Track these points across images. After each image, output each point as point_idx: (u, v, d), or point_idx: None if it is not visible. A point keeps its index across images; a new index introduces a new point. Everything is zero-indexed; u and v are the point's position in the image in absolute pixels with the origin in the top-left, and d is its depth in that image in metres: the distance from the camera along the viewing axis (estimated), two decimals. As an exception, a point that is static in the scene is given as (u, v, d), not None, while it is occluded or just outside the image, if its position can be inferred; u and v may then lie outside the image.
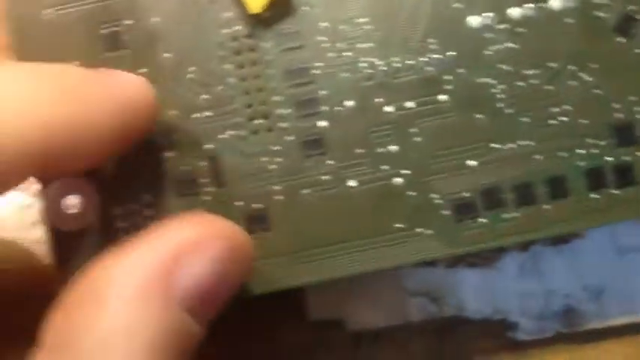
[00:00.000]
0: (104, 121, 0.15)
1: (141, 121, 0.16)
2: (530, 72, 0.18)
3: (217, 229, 0.15)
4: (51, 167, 0.14)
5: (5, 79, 0.14)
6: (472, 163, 0.18)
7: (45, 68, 0.15)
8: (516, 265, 0.21)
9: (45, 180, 0.15)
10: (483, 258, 0.21)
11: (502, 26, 0.18)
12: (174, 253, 0.14)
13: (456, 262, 0.21)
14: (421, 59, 0.18)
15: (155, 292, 0.14)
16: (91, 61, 0.18)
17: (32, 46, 0.18)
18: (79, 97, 0.15)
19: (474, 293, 0.21)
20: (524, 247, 0.21)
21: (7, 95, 0.14)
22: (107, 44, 0.18)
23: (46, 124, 0.14)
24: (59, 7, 0.18)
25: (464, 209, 0.18)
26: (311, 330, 0.21)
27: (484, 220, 0.18)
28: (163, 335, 0.14)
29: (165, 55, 0.18)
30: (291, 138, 0.18)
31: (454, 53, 0.18)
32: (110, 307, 0.14)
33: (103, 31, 0.18)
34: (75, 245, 0.17)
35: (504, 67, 0.18)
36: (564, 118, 0.17)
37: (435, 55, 0.18)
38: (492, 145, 0.18)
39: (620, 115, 0.17)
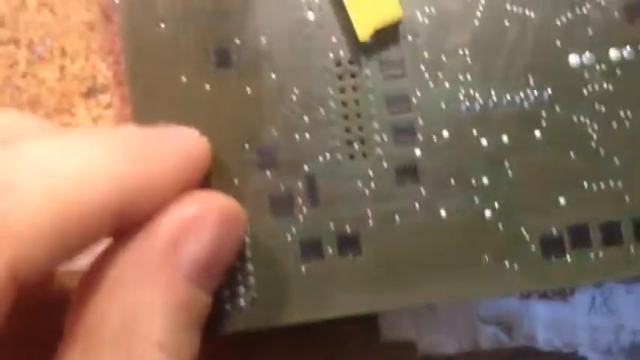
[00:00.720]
0: (173, 174, 0.16)
1: (198, 171, 0.17)
2: (626, 114, 0.18)
3: (211, 202, 0.16)
4: (123, 221, 0.15)
5: (83, 146, 0.15)
6: (562, 200, 0.18)
7: (113, 132, 0.16)
8: (588, 300, 0.22)
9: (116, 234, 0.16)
10: (556, 291, 0.21)
11: (601, 67, 0.18)
12: (175, 232, 0.15)
13: (529, 293, 0.21)
14: (519, 94, 0.18)
15: (163, 271, 0.15)
16: (200, 75, 0.18)
17: (144, 58, 0.18)
18: (149, 155, 0.16)
19: (546, 325, 0.21)
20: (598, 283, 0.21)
21: (86, 161, 0.15)
22: (216, 61, 0.18)
23: (121, 181, 0.15)
24: (173, 22, 0.18)
25: (551, 246, 0.18)
26: (383, 351, 0.21)
27: (570, 258, 0.18)
28: (177, 310, 0.15)
29: (271, 76, 0.18)
30: (386, 164, 0.18)
31: (551, 90, 0.18)
32: (124, 292, 0.15)
33: (213, 48, 0.18)
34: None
35: (600, 107, 0.18)
36: (657, 163, 0.18)
37: (532, 91, 0.18)
38: (583, 183, 0.18)
39: None
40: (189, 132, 0.17)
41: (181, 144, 0.17)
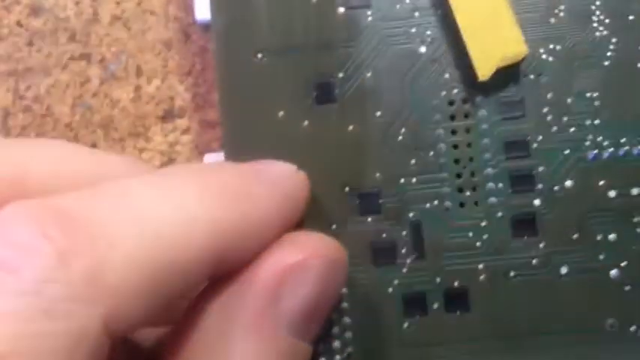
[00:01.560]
0: (272, 215, 0.15)
1: (298, 211, 0.16)
2: None
3: (314, 247, 0.15)
4: (220, 268, 0.14)
5: (178, 188, 0.14)
6: (697, 262, 0.16)
7: (209, 171, 0.15)
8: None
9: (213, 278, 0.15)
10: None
11: None
12: (276, 280, 0.14)
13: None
14: (653, 144, 0.16)
15: (264, 324, 0.14)
16: (298, 110, 0.17)
17: (239, 90, 0.17)
18: (249, 195, 0.14)
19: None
20: None
21: (182, 206, 0.13)
22: (317, 96, 0.17)
23: (222, 226, 0.14)
24: (273, 53, 0.17)
25: (683, 310, 0.16)
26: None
27: (702, 325, 0.16)
28: None
29: (376, 113, 0.16)
30: (501, 215, 0.16)
31: (689, 140, 0.16)
32: (223, 346, 0.14)
33: (314, 82, 0.17)
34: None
35: None
36: None
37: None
38: None
39: None
40: (288, 167, 0.16)
41: (280, 182, 0.15)
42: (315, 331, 0.15)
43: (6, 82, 0.22)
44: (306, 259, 0.14)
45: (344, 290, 0.17)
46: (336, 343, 0.17)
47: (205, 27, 0.20)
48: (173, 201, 0.13)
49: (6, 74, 0.22)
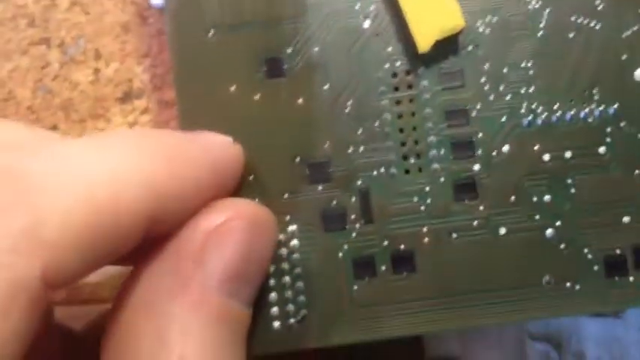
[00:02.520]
0: (205, 180, 0.15)
1: (231, 179, 0.17)
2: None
3: (237, 209, 0.16)
4: (154, 228, 0.15)
5: (118, 147, 0.14)
6: (626, 219, 0.17)
7: (148, 134, 0.16)
8: (639, 316, 0.21)
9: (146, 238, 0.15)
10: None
11: (670, 82, 0.17)
12: (201, 242, 0.15)
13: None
14: (583, 109, 0.17)
15: (193, 285, 0.15)
16: (249, 85, 0.18)
17: (193, 67, 0.17)
18: (182, 159, 0.15)
19: (596, 341, 0.21)
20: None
21: (121, 164, 0.14)
22: (267, 71, 0.17)
23: (156, 186, 0.14)
24: (223, 30, 0.17)
25: (614, 266, 0.17)
26: (429, 366, 0.20)
27: (633, 278, 0.17)
28: (213, 325, 0.14)
29: (324, 86, 0.17)
30: (443, 180, 0.17)
31: (617, 105, 0.17)
32: (155, 310, 0.14)
33: (263, 57, 0.17)
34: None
35: (668, 123, 0.17)
36: None
37: (598, 106, 0.17)
38: (649, 202, 0.17)
39: None
40: (223, 138, 0.17)
41: (213, 150, 0.16)
42: (250, 292, 0.16)
43: (-33, 68, 0.22)
44: (228, 221, 0.15)
45: (296, 255, 0.17)
46: (290, 306, 0.17)
47: (161, 10, 0.21)
48: (109, 162, 0.14)
49: (-33, 60, 0.22)
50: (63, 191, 0.13)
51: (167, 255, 0.15)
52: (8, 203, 0.12)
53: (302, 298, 0.17)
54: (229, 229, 0.15)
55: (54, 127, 0.22)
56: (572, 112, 0.17)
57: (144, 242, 0.15)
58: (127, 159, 0.14)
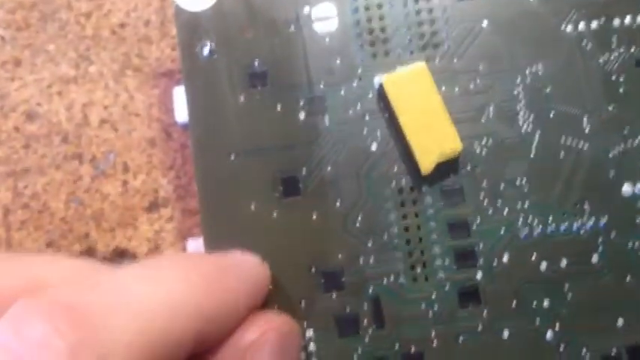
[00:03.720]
0: (243, 300, 0.17)
1: (262, 296, 0.18)
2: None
3: (269, 323, 0.17)
4: (200, 345, 0.16)
5: (166, 278, 0.16)
6: (620, 321, 0.19)
7: (190, 262, 0.17)
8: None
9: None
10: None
11: (654, 196, 0.19)
12: (241, 356, 0.16)
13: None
14: (576, 221, 0.19)
15: None
16: (268, 203, 0.19)
17: (215, 187, 0.19)
18: (224, 287, 0.17)
19: None
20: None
21: (171, 295, 0.16)
22: (284, 190, 0.19)
23: (202, 313, 0.16)
24: (244, 153, 0.19)
25: (611, 365, 0.18)
26: None
27: (629, 377, 0.18)
28: None
29: (336, 203, 0.19)
30: (448, 288, 0.19)
31: (607, 218, 0.19)
32: None
33: (280, 177, 0.19)
34: None
35: (654, 233, 0.19)
36: None
37: (589, 219, 0.19)
38: (640, 305, 0.19)
39: None
40: (254, 259, 0.18)
41: (248, 272, 0.18)
42: None
43: (5, 182, 0.24)
44: (261, 335, 0.17)
45: (314, 359, 0.19)
46: (308, 409, 0.19)
47: (184, 127, 0.23)
48: (161, 291, 0.16)
49: (5, 175, 0.24)
50: (124, 324, 0.14)
51: None
52: (76, 343, 0.14)
53: (320, 401, 0.18)
54: (264, 342, 0.17)
55: (86, 236, 0.23)
56: (565, 225, 0.19)
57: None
58: (177, 290, 0.16)
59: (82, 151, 0.24)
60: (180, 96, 0.20)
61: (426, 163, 0.18)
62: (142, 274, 0.16)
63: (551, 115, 0.19)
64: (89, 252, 0.23)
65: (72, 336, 0.13)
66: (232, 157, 0.19)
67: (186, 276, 0.16)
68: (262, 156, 0.19)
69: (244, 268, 0.18)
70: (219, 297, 0.16)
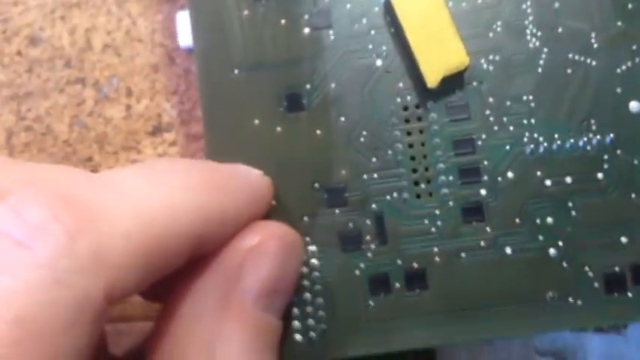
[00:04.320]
0: (242, 207, 0.17)
1: (263, 207, 0.18)
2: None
3: (269, 231, 0.17)
4: (198, 249, 0.16)
5: (166, 176, 0.16)
6: (624, 239, 0.18)
7: (192, 164, 0.18)
8: (641, 334, 0.22)
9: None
10: (611, 324, 0.22)
11: (661, 112, 0.19)
12: (239, 262, 0.16)
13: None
14: (582, 138, 0.19)
15: (233, 301, 0.16)
16: (271, 118, 0.19)
17: (219, 103, 0.19)
18: (226, 190, 0.17)
19: (600, 357, 0.22)
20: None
21: (171, 192, 0.16)
22: (288, 106, 0.19)
23: (203, 213, 0.16)
24: (247, 69, 0.19)
25: (614, 283, 0.19)
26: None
27: (632, 294, 0.18)
28: (251, 336, 0.16)
29: (340, 119, 0.19)
30: (452, 204, 0.19)
31: (613, 135, 0.19)
32: (200, 326, 0.16)
33: (284, 93, 0.19)
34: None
35: (661, 150, 0.19)
36: None
37: (595, 136, 0.19)
38: (645, 223, 0.18)
39: None
40: (256, 171, 0.18)
41: (249, 181, 0.18)
42: (281, 306, 0.17)
43: (8, 105, 0.24)
44: (262, 241, 0.17)
45: (316, 273, 0.19)
46: (311, 321, 0.19)
47: (188, 52, 0.23)
48: (162, 189, 0.16)
49: (9, 98, 0.24)
50: (124, 217, 0.14)
51: (209, 274, 0.16)
52: (74, 229, 0.14)
53: (321, 313, 0.19)
54: (264, 249, 0.17)
55: (89, 159, 0.23)
56: (571, 141, 0.19)
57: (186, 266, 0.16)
58: (177, 188, 0.16)
59: (85, 75, 0.24)
60: (183, 20, 0.20)
61: (432, 76, 0.18)
62: (143, 173, 0.16)
63: (559, 31, 0.19)
64: (93, 175, 0.23)
65: (70, 222, 0.14)
66: (236, 72, 0.19)
67: (188, 178, 0.16)
68: (266, 71, 0.19)
69: (246, 178, 0.18)
70: (219, 201, 0.16)
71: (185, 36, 0.20)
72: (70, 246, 0.13)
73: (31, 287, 0.13)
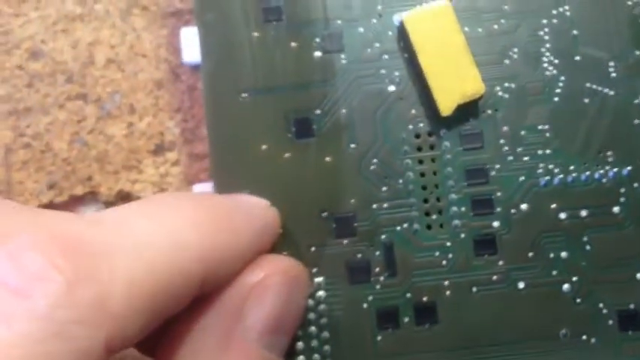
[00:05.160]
0: (249, 243, 0.16)
1: (270, 240, 0.18)
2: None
3: (273, 265, 0.17)
4: (206, 288, 0.16)
5: (170, 215, 0.15)
6: (639, 275, 0.18)
7: (196, 200, 0.17)
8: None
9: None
10: None
11: (680, 146, 0.18)
12: (243, 297, 0.16)
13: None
14: (598, 170, 0.18)
15: (235, 340, 0.16)
16: (280, 144, 0.19)
17: (226, 126, 0.18)
18: (230, 229, 0.16)
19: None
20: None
21: (175, 232, 0.15)
22: (297, 131, 0.18)
23: (208, 254, 0.15)
24: (255, 92, 0.18)
25: (628, 320, 0.18)
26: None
27: (647, 333, 0.18)
28: None
29: (351, 146, 0.18)
30: (464, 236, 0.18)
31: (630, 167, 0.18)
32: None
33: (293, 118, 0.18)
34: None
35: (678, 184, 0.18)
36: None
37: (612, 168, 0.18)
38: (662, 260, 0.18)
39: None
40: (262, 202, 0.18)
41: (255, 215, 0.17)
42: (283, 343, 0.17)
43: (7, 121, 0.23)
44: (266, 277, 0.16)
45: (323, 306, 0.18)
46: (316, 356, 0.18)
47: (193, 68, 0.22)
48: (166, 229, 0.15)
49: (7, 113, 0.23)
50: (126, 261, 0.14)
51: (212, 311, 0.16)
52: (74, 278, 0.13)
53: (327, 347, 0.18)
54: (268, 284, 0.16)
55: (89, 178, 0.23)
56: (587, 173, 0.18)
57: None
58: (182, 228, 0.15)
59: (87, 91, 0.23)
60: (188, 36, 0.19)
61: (446, 103, 0.18)
62: (146, 211, 0.15)
63: (577, 59, 0.18)
64: (92, 195, 0.22)
65: (69, 270, 0.13)
66: (244, 96, 0.18)
67: (192, 214, 0.15)
68: (275, 95, 0.19)
69: (253, 210, 0.17)
70: (225, 237, 0.16)
71: (190, 52, 0.20)
72: (69, 296, 0.13)
73: (28, 339, 0.12)
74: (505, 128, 0.18)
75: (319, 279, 0.18)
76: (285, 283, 0.16)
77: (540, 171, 0.18)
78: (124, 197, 0.22)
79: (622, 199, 0.18)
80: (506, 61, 0.18)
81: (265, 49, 0.19)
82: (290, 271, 0.17)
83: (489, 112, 0.18)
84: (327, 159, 0.18)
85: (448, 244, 0.18)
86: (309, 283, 0.18)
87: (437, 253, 0.18)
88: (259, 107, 0.18)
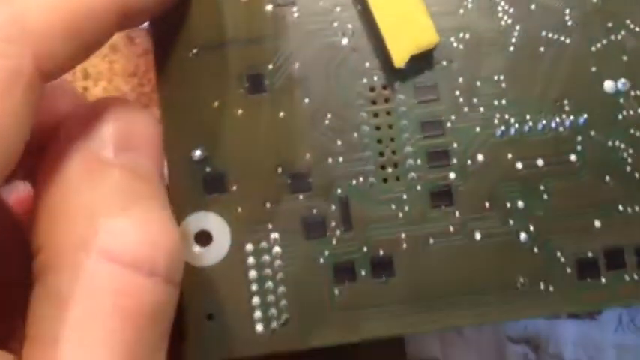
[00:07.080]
0: None
1: None
2: (659, 138, 0.18)
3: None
4: (123, 23, 0.16)
5: None
6: (597, 223, 0.18)
7: None
8: (615, 319, 0.22)
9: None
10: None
11: (635, 93, 0.18)
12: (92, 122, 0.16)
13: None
14: (554, 119, 0.18)
15: (93, 162, 0.15)
16: (232, 100, 0.18)
17: (176, 81, 0.18)
18: None
19: (573, 343, 0.22)
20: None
21: None
22: (249, 87, 0.18)
23: None
24: (206, 48, 0.18)
25: (586, 268, 0.18)
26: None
27: (605, 280, 0.18)
28: (125, 183, 0.15)
29: (304, 100, 0.18)
30: (420, 188, 0.18)
31: (587, 115, 0.18)
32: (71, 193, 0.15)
33: (245, 73, 0.18)
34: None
35: (635, 132, 0.18)
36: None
37: (568, 116, 0.18)
38: (618, 206, 0.18)
39: None
40: None
41: None
42: (147, 166, 0.16)
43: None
44: (100, 100, 0.17)
45: (279, 261, 0.18)
46: (273, 310, 0.18)
47: (149, 31, 0.22)
48: None
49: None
50: None
51: (71, 144, 0.16)
52: None
53: (284, 302, 0.18)
54: (105, 105, 0.16)
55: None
56: (543, 123, 0.18)
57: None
58: None
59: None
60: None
61: (400, 55, 0.17)
62: None
63: (532, 8, 0.18)
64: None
65: None
66: (194, 52, 0.18)
67: None
68: (226, 51, 0.18)
69: None
70: None
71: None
72: None
73: None
74: (460, 79, 0.18)
75: (275, 235, 0.18)
76: (122, 103, 0.16)
77: (496, 122, 0.18)
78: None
79: (579, 148, 0.18)
80: (461, 11, 0.18)
81: (215, 3, 0.18)
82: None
83: (444, 63, 0.18)
84: (281, 114, 0.18)
85: (404, 197, 0.18)
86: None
87: (393, 207, 0.18)
88: (210, 63, 0.18)
